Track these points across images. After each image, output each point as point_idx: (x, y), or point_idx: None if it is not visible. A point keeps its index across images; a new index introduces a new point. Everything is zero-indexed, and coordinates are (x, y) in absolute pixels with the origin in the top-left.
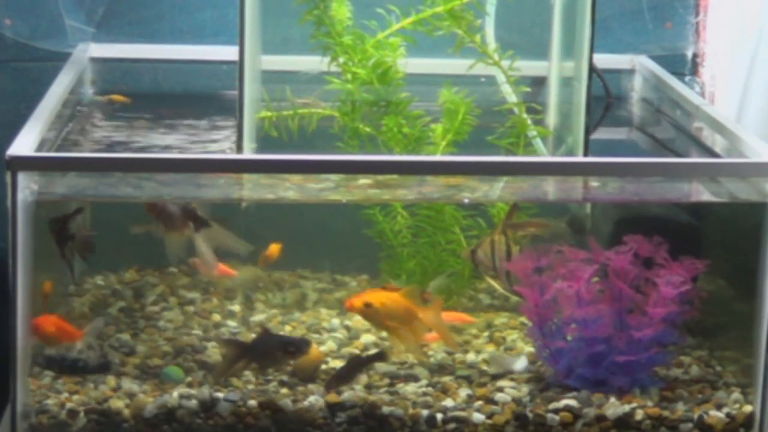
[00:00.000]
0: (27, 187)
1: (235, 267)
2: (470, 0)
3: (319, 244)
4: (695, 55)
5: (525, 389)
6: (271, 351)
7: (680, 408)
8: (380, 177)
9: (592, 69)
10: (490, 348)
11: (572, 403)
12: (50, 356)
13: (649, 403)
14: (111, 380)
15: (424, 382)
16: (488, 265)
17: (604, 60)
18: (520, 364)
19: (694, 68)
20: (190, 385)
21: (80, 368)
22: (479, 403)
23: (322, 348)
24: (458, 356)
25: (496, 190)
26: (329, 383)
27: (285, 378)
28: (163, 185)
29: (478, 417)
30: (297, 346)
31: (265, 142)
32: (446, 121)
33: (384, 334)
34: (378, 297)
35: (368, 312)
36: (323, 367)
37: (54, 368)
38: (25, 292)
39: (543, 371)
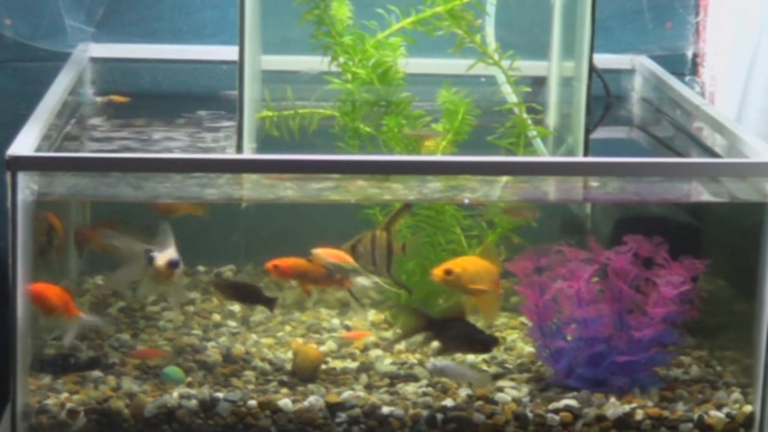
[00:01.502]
0: (27, 187)
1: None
2: (470, 0)
3: (319, 244)
4: (695, 55)
5: (525, 389)
6: (462, 338)
7: (680, 408)
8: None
9: (592, 69)
10: None
11: (572, 403)
12: (45, 359)
13: (649, 403)
14: (111, 380)
15: (424, 382)
16: (368, 259)
17: (604, 60)
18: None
19: (694, 68)
20: (190, 385)
21: (72, 365)
22: (479, 403)
23: (322, 348)
24: (458, 356)
25: (496, 190)
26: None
27: (285, 378)
28: (163, 185)
29: (478, 417)
30: (485, 345)
31: (265, 143)
32: (446, 121)
33: (385, 334)
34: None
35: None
36: (323, 367)
37: (49, 370)
38: (25, 292)
39: (543, 371)
